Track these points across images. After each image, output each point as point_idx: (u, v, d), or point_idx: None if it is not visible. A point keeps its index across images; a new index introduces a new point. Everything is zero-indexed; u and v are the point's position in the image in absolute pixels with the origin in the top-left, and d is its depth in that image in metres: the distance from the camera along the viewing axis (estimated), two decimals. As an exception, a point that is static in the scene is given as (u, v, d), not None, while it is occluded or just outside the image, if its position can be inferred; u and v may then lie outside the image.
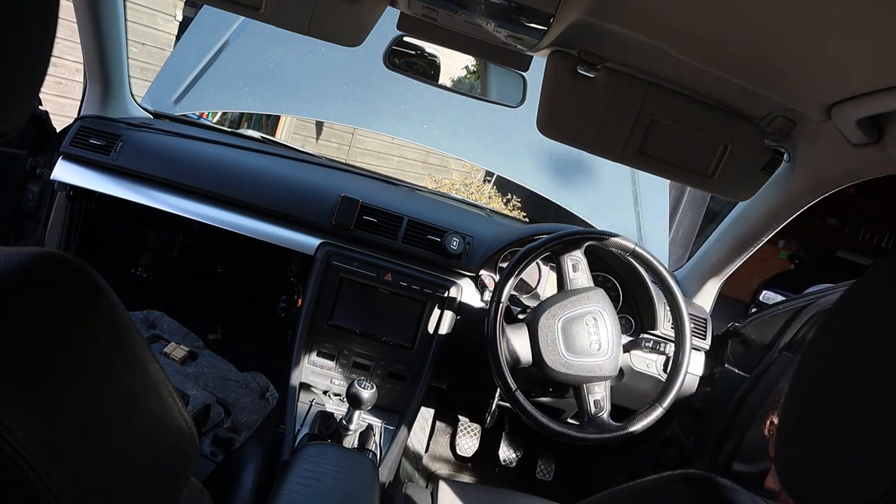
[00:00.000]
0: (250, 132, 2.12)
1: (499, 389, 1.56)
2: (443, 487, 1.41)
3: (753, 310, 3.06)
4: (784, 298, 1.82)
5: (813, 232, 8.41)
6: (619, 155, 1.28)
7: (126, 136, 1.63)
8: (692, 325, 1.61)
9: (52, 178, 1.57)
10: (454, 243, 1.67)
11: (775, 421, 0.66)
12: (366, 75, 2.25)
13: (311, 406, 1.60)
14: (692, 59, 1.01)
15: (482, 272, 1.69)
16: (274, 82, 2.21)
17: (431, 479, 1.45)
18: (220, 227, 1.60)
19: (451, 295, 1.64)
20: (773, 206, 1.46)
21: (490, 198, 6.75)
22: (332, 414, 1.56)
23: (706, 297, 1.83)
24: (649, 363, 1.67)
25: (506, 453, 2.25)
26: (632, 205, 2.30)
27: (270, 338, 1.97)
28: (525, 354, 1.45)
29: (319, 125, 6.81)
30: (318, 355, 1.64)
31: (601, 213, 2.33)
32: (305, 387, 1.65)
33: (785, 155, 1.29)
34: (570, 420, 1.45)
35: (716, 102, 1.21)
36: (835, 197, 1.34)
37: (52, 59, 0.47)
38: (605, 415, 1.46)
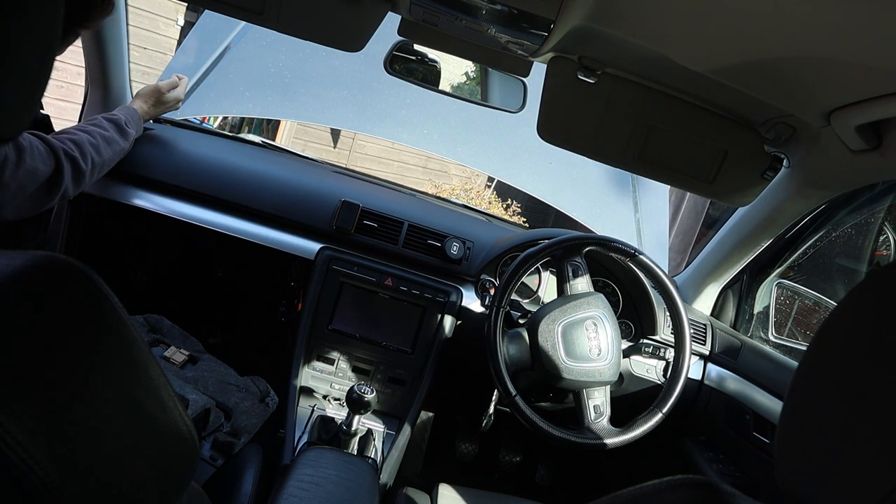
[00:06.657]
0: (251, 136, 2.12)
1: (496, 393, 1.56)
2: (442, 492, 1.41)
3: None
4: None
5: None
6: (619, 160, 1.28)
7: None
8: (692, 331, 1.61)
9: None
10: (454, 248, 1.67)
11: None
12: (367, 80, 2.26)
13: (311, 410, 1.60)
14: (692, 65, 1.02)
15: (482, 277, 1.69)
16: (275, 87, 2.22)
17: (431, 483, 1.45)
18: (220, 231, 1.60)
19: (451, 300, 1.64)
20: (773, 211, 1.47)
21: (490, 203, 6.77)
22: (332, 418, 1.56)
23: (706, 303, 1.84)
24: (649, 368, 1.67)
25: (505, 458, 2.24)
26: (632, 210, 2.30)
27: (271, 342, 1.97)
28: (525, 359, 1.45)
29: (322, 130, 6.83)
30: (318, 360, 1.64)
31: (601, 219, 2.34)
32: (306, 391, 1.65)
33: (784, 161, 1.29)
34: (569, 425, 1.45)
35: (715, 108, 1.21)
36: None
37: (55, 63, 0.47)
38: (604, 420, 1.46)
